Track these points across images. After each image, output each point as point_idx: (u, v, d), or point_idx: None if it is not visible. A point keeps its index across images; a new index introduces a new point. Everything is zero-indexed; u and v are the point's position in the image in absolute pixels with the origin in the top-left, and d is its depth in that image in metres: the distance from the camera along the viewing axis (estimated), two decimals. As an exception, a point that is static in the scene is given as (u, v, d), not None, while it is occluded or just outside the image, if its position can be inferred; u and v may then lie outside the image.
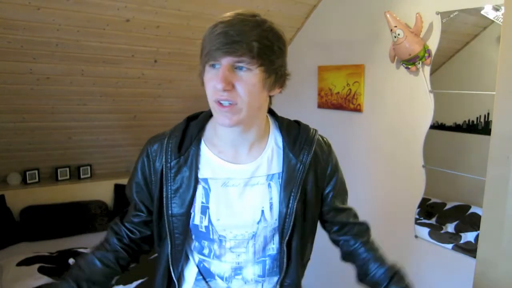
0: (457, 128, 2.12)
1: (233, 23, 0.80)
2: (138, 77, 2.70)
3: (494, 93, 1.27)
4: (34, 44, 2.16)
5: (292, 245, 0.96)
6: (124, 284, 2.28)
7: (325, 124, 2.65)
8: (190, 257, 1.00)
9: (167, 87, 2.90)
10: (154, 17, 2.25)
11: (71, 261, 2.55)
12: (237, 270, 0.96)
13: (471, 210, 2.09)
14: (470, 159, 2.08)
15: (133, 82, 2.73)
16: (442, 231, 2.12)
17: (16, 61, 2.23)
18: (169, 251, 0.95)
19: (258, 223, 0.92)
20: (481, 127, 2.00)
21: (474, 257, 1.47)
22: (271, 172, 0.94)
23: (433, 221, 2.21)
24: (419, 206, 2.10)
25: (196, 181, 0.91)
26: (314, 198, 0.98)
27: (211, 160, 0.93)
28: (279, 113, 1.07)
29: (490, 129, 1.29)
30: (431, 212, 2.24)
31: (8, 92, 2.42)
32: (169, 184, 0.92)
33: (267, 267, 0.97)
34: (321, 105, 2.68)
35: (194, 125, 0.96)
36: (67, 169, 3.28)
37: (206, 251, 0.96)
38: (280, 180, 0.93)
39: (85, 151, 3.25)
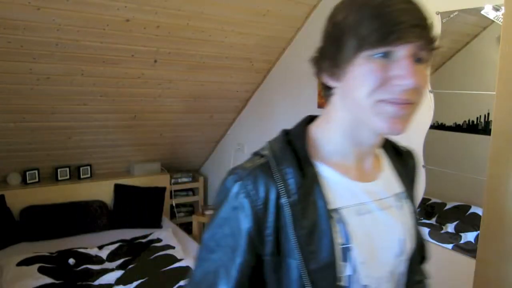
0: (457, 128, 2.12)
1: (407, 0, 0.60)
2: (138, 77, 2.70)
3: (494, 93, 1.27)
4: (34, 44, 2.16)
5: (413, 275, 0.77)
6: (124, 284, 2.28)
7: (325, 124, 2.65)
8: None
9: (167, 87, 2.90)
10: (154, 17, 2.25)
11: (71, 261, 2.55)
12: None
13: (471, 210, 2.09)
14: (470, 159, 2.08)
15: (133, 82, 2.72)
16: (442, 231, 2.12)
17: (16, 61, 2.23)
18: None
19: (397, 256, 0.71)
20: (481, 127, 1.99)
21: (474, 257, 1.47)
22: (397, 190, 0.75)
23: (433, 221, 2.20)
24: (419, 206, 2.10)
25: (329, 214, 0.65)
26: None
27: (336, 183, 0.68)
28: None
29: (490, 129, 1.29)
30: (431, 212, 2.24)
31: (8, 92, 2.42)
32: (298, 228, 0.63)
33: None
34: (321, 105, 2.68)
35: (296, 140, 0.69)
36: (67, 169, 3.28)
37: None
38: (406, 199, 0.76)
39: (85, 151, 3.25)
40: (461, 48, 2.10)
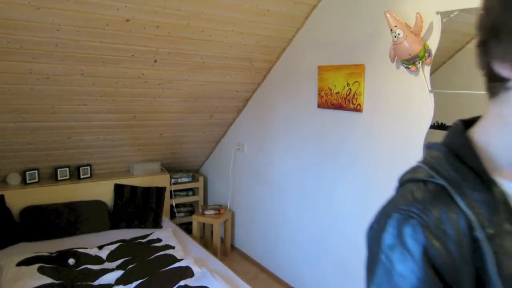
0: (457, 128, 2.12)
1: None
2: (138, 77, 2.70)
3: (494, 93, 1.27)
4: (34, 44, 2.16)
5: None
6: (124, 284, 2.28)
7: (325, 124, 2.65)
8: None
9: (167, 87, 2.90)
10: (154, 17, 2.25)
11: (70, 261, 2.55)
12: None
13: (471, 210, 2.09)
14: (470, 159, 2.08)
15: (133, 82, 2.73)
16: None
17: (16, 61, 2.23)
18: None
19: None
20: (481, 127, 1.99)
21: (474, 257, 1.47)
22: None
23: (433, 221, 2.20)
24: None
25: None
26: None
27: None
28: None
29: (490, 129, 1.29)
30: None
31: (8, 92, 2.42)
32: (504, 267, 0.48)
33: None
34: (321, 105, 2.68)
35: (465, 153, 0.54)
36: (67, 169, 3.28)
37: None
38: None
39: (85, 151, 3.25)
40: (461, 48, 2.09)
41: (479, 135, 0.55)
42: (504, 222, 0.50)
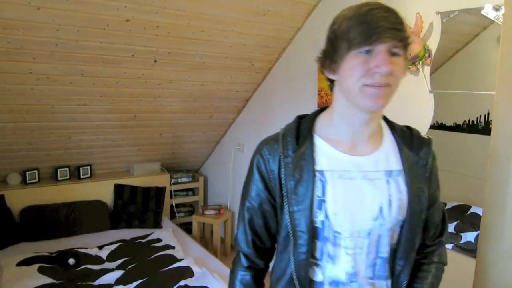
0: (457, 128, 2.12)
1: (386, 9, 0.80)
2: (138, 77, 2.70)
3: (494, 93, 1.27)
4: (34, 44, 2.16)
5: (412, 247, 0.93)
6: (124, 284, 2.28)
7: (325, 124, 2.65)
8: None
9: (167, 87, 2.90)
10: (154, 17, 2.25)
11: (71, 261, 2.55)
12: (353, 276, 0.90)
13: (471, 210, 2.09)
14: (470, 159, 2.08)
15: (133, 82, 2.72)
16: (442, 231, 2.11)
17: (16, 61, 2.23)
18: (292, 255, 0.91)
19: (375, 219, 0.88)
20: (481, 127, 1.99)
21: (474, 257, 1.47)
22: (390, 168, 0.92)
23: (433, 221, 2.20)
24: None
25: (314, 174, 0.88)
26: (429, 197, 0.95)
27: (326, 152, 0.91)
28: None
29: (490, 129, 1.29)
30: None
31: (8, 92, 2.42)
32: (289, 179, 0.90)
33: (376, 268, 0.92)
34: (321, 105, 2.68)
35: (305, 121, 0.96)
36: (67, 169, 3.28)
37: (317, 254, 0.91)
38: (402, 177, 0.91)
39: (85, 151, 3.25)
40: (461, 48, 2.09)
41: (322, 114, 0.97)
42: (302, 157, 0.90)
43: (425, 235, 0.99)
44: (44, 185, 3.15)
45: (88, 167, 3.38)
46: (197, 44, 2.59)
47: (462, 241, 1.99)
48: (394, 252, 0.93)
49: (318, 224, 0.89)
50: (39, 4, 1.94)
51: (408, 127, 1.04)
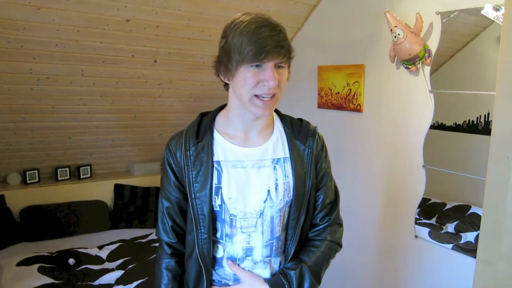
0: (457, 128, 2.12)
1: (272, 27, 0.94)
2: (138, 77, 2.70)
3: (494, 93, 1.27)
4: (34, 44, 2.16)
5: (298, 224, 1.08)
6: (124, 284, 2.28)
7: (325, 124, 2.65)
8: None
9: (167, 87, 2.90)
10: (154, 17, 2.25)
11: (70, 261, 2.55)
12: (248, 251, 1.06)
13: (471, 210, 2.09)
14: (470, 159, 2.08)
15: (133, 82, 2.73)
16: (442, 231, 2.12)
17: (16, 61, 2.23)
18: (195, 236, 1.04)
19: (264, 202, 1.04)
20: (481, 127, 2.00)
21: (474, 257, 1.47)
22: (277, 156, 1.08)
23: (433, 221, 2.20)
24: (419, 206, 2.10)
25: (212, 164, 1.03)
26: (315, 179, 1.12)
27: (223, 145, 1.06)
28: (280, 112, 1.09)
29: (490, 129, 1.29)
30: (431, 212, 2.24)
31: (8, 92, 2.42)
32: (191, 169, 1.04)
33: (274, 248, 1.07)
34: (321, 105, 2.68)
35: (207, 118, 1.11)
36: (67, 169, 3.28)
37: (218, 234, 1.07)
38: (289, 164, 1.07)
39: (85, 151, 3.25)
40: (461, 48, 2.10)
41: (222, 112, 1.13)
42: (202, 150, 1.05)
43: (317, 215, 1.15)
44: (44, 185, 3.15)
45: (88, 167, 3.38)
46: (197, 44, 2.59)
47: (462, 241, 1.99)
48: (286, 230, 1.09)
49: (217, 208, 1.04)
50: (39, 4, 1.94)
51: (300, 119, 1.18)
